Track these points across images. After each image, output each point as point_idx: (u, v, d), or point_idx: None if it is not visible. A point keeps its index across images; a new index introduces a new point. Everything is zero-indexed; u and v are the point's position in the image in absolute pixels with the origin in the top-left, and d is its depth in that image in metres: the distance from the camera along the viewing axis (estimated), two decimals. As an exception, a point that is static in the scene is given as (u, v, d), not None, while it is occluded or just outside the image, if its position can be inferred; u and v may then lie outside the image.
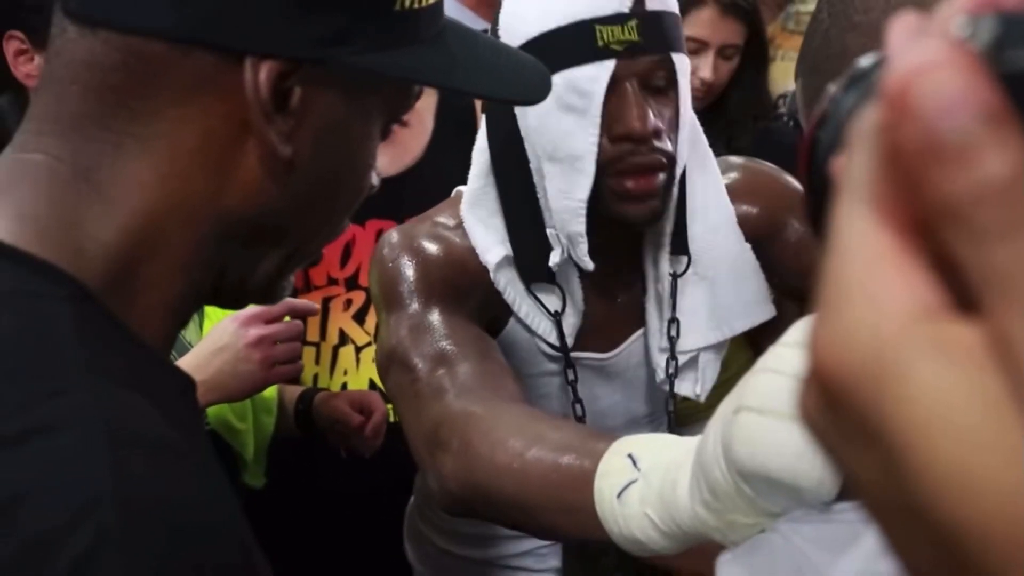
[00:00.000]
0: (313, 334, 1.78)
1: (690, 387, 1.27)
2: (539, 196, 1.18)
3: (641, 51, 1.11)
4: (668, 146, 1.15)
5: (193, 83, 0.60)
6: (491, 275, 1.20)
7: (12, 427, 0.53)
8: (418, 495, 1.56)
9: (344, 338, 1.80)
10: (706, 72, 2.12)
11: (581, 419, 1.26)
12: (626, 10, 1.10)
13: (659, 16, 1.13)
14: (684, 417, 1.33)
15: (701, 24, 2.12)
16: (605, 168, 1.13)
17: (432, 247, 1.20)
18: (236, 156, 0.62)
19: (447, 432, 1.01)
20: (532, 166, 1.17)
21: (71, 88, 0.61)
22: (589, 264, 1.17)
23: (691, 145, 1.21)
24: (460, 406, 1.03)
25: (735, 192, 1.28)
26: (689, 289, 1.26)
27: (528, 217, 1.19)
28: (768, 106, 2.13)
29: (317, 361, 1.80)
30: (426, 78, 0.68)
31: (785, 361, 0.64)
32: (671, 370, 1.26)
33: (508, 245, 1.20)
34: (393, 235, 1.23)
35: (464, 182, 1.34)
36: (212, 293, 0.67)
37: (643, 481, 0.77)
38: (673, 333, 1.26)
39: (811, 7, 2.58)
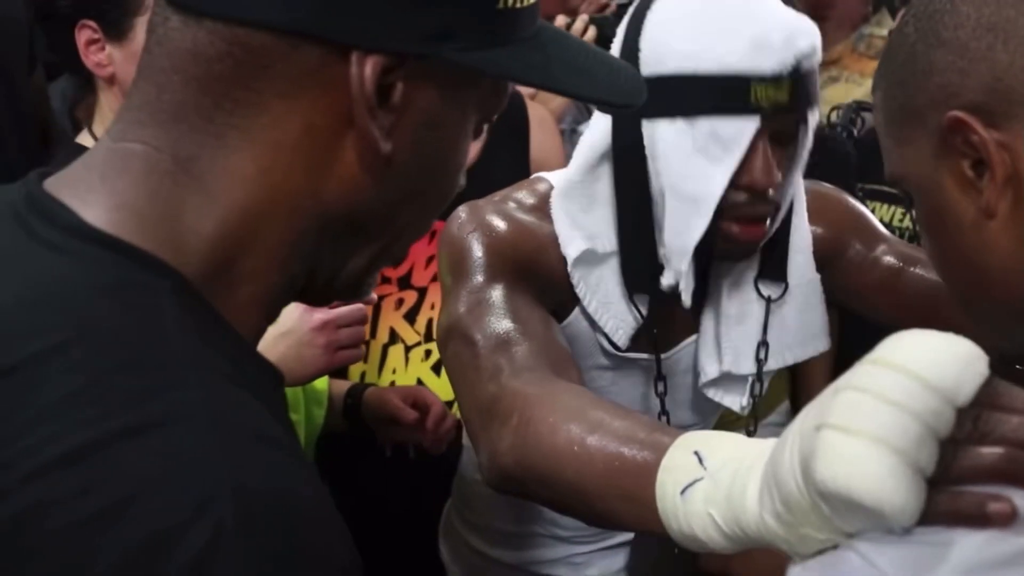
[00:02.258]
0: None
1: (736, 400, 1.30)
2: (655, 217, 1.18)
3: (787, 111, 1.13)
4: (780, 198, 1.17)
5: (299, 76, 0.60)
6: (568, 267, 1.21)
7: (123, 422, 0.52)
8: (456, 494, 1.57)
9: (394, 337, 1.82)
10: None
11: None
12: (785, 74, 1.11)
13: (809, 78, 1.14)
14: (722, 427, 1.34)
15: None
16: (720, 211, 1.15)
17: (502, 224, 1.20)
18: (337, 151, 0.62)
19: (506, 407, 1.01)
20: (653, 186, 1.17)
21: (173, 78, 0.60)
22: (688, 302, 1.19)
23: (796, 182, 1.23)
24: (521, 383, 1.03)
25: (807, 214, 1.31)
26: (753, 311, 1.28)
27: (643, 230, 1.20)
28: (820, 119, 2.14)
29: (366, 359, 1.81)
30: (527, 77, 0.68)
31: (872, 380, 0.62)
32: (756, 391, 1.29)
33: (592, 242, 1.21)
34: (463, 211, 1.22)
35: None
36: (303, 288, 0.67)
37: (709, 480, 0.76)
38: (762, 356, 1.28)
39: (885, 31, 2.56)
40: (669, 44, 1.13)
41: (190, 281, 0.59)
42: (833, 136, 2.19)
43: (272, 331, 1.41)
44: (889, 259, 1.32)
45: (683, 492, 0.77)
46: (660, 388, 1.26)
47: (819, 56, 1.15)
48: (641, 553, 1.38)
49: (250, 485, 0.52)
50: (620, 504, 0.86)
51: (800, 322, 1.30)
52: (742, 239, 1.17)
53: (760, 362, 1.28)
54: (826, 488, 0.62)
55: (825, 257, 1.32)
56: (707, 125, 1.11)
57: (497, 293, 1.15)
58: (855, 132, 2.26)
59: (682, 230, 1.15)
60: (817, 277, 1.32)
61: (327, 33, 0.59)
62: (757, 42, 1.10)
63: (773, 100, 1.11)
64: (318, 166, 0.62)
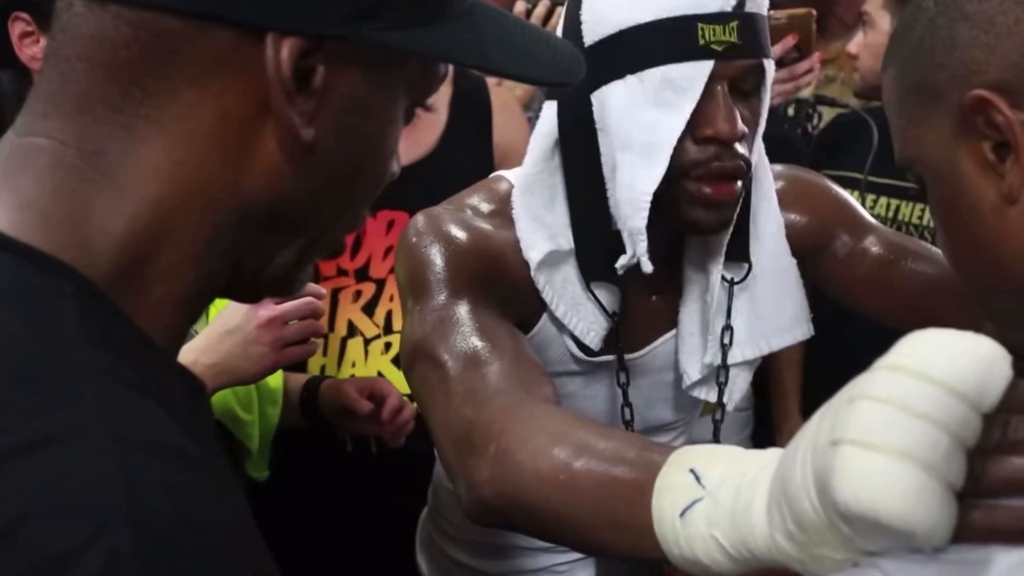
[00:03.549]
0: (322, 325, 1.76)
1: (714, 393, 1.26)
2: (608, 193, 1.13)
3: (739, 54, 1.08)
4: (749, 153, 1.12)
5: (210, 61, 0.57)
6: (531, 272, 1.16)
7: (17, 438, 0.49)
8: (432, 504, 1.53)
9: (353, 330, 1.78)
10: None
11: (629, 424, 1.23)
12: (729, 9, 1.07)
13: (756, 19, 1.10)
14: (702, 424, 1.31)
15: None
16: (686, 170, 1.09)
17: (463, 235, 1.15)
18: (254, 139, 0.59)
19: (481, 436, 0.96)
20: (604, 159, 1.12)
21: (78, 66, 0.57)
22: (648, 267, 1.12)
23: (759, 149, 1.18)
24: (495, 409, 0.98)
25: (784, 200, 1.26)
26: (731, 300, 1.24)
27: (595, 212, 1.14)
28: (776, 113, 2.12)
29: (325, 352, 1.78)
30: (456, 56, 0.64)
31: (891, 388, 0.59)
32: (721, 379, 1.24)
33: (556, 240, 1.16)
34: (420, 219, 1.17)
35: (479, 175, 1.31)
36: (226, 286, 0.64)
37: (710, 500, 0.72)
38: (726, 341, 1.23)
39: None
40: (608, 3, 1.09)
41: (96, 284, 0.56)
42: (784, 133, 2.18)
43: (217, 329, 1.40)
44: (878, 250, 1.28)
45: (682, 515, 0.73)
46: (622, 379, 1.22)
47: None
48: (610, 565, 1.35)
49: (149, 506, 0.49)
50: (613, 533, 0.81)
51: (778, 309, 1.26)
52: (714, 199, 1.10)
53: (724, 347, 1.23)
54: (848, 510, 0.58)
55: (808, 248, 1.28)
56: (658, 74, 1.07)
57: (462, 310, 1.10)
58: (810, 128, 2.24)
59: (635, 183, 1.09)
60: (793, 262, 1.26)
61: (238, 15, 0.56)
62: None
63: (723, 40, 1.07)
64: (235, 156, 0.59)
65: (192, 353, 1.36)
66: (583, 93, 1.11)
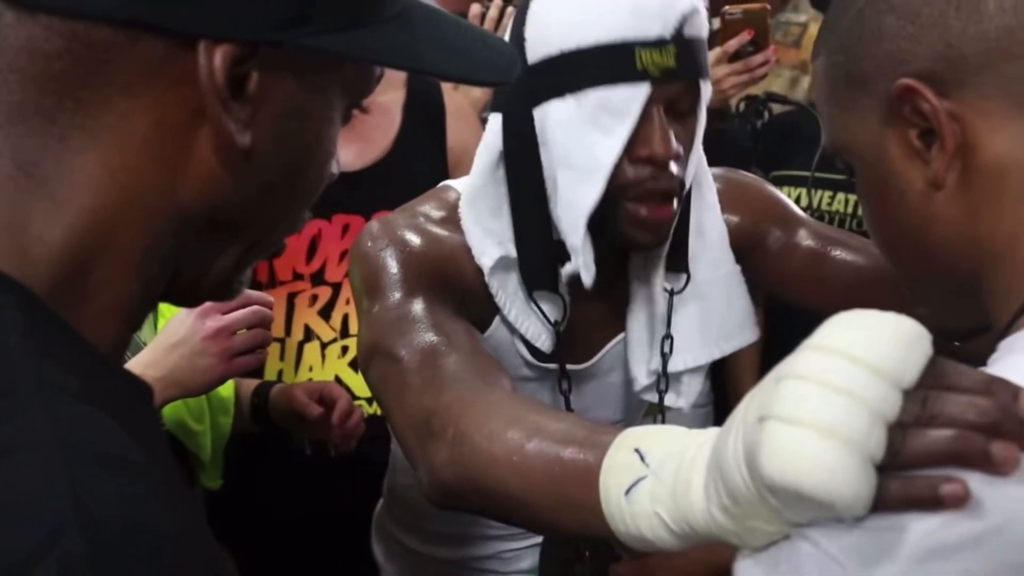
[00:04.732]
0: (278, 330, 1.76)
1: (672, 398, 1.29)
2: (550, 205, 1.16)
3: (675, 77, 1.11)
4: (684, 171, 1.15)
5: (143, 70, 0.56)
6: (485, 277, 1.18)
7: None
8: (387, 495, 1.55)
9: (309, 334, 1.79)
10: None
11: None
12: (668, 36, 1.10)
13: (694, 43, 1.12)
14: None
15: None
16: (623, 191, 1.12)
17: (417, 239, 1.18)
18: (190, 147, 0.58)
19: (440, 421, 0.99)
20: (546, 173, 1.15)
21: (10, 77, 0.56)
22: (589, 280, 1.15)
23: (696, 164, 1.21)
24: (452, 395, 1.01)
25: (720, 203, 1.29)
26: (680, 307, 1.26)
27: (537, 224, 1.17)
28: (724, 109, 2.14)
29: (282, 357, 1.78)
30: (391, 59, 0.64)
31: (814, 367, 0.61)
32: (662, 386, 1.27)
33: (505, 247, 1.18)
34: (375, 225, 1.20)
35: (433, 178, 1.33)
36: (167, 291, 0.63)
37: (653, 478, 0.74)
38: (666, 350, 1.26)
39: (802, 17, 2.58)
40: (551, 24, 1.11)
41: (37, 294, 0.56)
42: (731, 129, 2.20)
43: (163, 342, 1.40)
44: (810, 243, 1.31)
45: (627, 493, 0.75)
46: (564, 386, 1.24)
47: (704, 23, 1.14)
48: (552, 553, 1.37)
49: (98, 514, 0.49)
50: (565, 512, 0.84)
51: (725, 314, 1.29)
52: (650, 220, 1.14)
53: (665, 355, 1.26)
54: (773, 482, 0.60)
55: (744, 247, 1.31)
56: (596, 96, 1.09)
57: (418, 307, 1.12)
58: (759, 125, 2.27)
59: (574, 201, 1.12)
60: (737, 268, 1.30)
61: (170, 23, 0.56)
62: (637, 7, 1.09)
63: (660, 65, 1.09)
64: (171, 164, 0.58)
65: (139, 367, 1.35)
66: (526, 108, 1.14)
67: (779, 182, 2.17)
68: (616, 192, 1.12)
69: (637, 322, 1.27)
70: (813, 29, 2.43)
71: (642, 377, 1.27)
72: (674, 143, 1.12)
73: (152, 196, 0.58)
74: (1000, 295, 0.74)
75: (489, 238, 1.18)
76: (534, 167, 1.15)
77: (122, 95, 0.57)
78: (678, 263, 1.25)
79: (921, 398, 0.61)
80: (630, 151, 1.11)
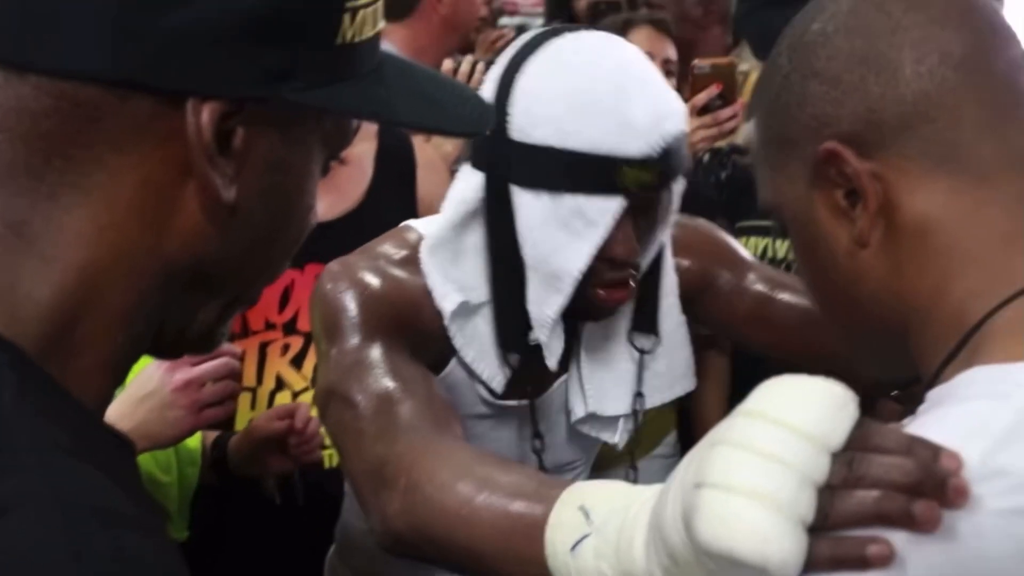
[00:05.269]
0: (250, 379, 1.77)
1: (611, 435, 1.32)
2: (526, 275, 1.18)
3: (653, 191, 1.14)
4: (643, 260, 1.18)
5: (132, 128, 0.57)
6: (445, 320, 1.20)
7: None
8: (339, 540, 1.55)
9: (281, 383, 1.79)
10: None
11: (541, 465, 1.28)
12: (654, 155, 1.11)
13: (677, 148, 1.14)
14: (606, 463, 1.36)
15: (640, 42, 2.19)
16: (583, 278, 1.15)
17: (376, 281, 1.19)
18: (177, 203, 0.59)
19: (393, 471, 1.00)
20: (522, 250, 1.17)
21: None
22: (554, 364, 1.20)
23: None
24: (405, 444, 1.02)
25: (672, 247, 1.31)
26: (623, 357, 1.29)
27: (513, 292, 1.19)
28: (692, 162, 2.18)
29: (253, 406, 1.78)
30: (369, 112, 0.66)
31: (745, 433, 0.63)
32: (630, 444, 1.32)
33: (466, 293, 1.20)
34: (334, 267, 1.21)
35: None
36: (151, 345, 0.64)
37: (597, 536, 0.76)
38: (638, 407, 1.30)
39: (746, 65, 2.63)
40: (538, 114, 1.12)
41: (28, 352, 0.56)
42: (696, 181, 2.24)
43: (133, 394, 1.40)
44: (758, 287, 1.34)
45: (573, 549, 0.77)
46: (536, 444, 1.27)
47: (686, 132, 1.17)
48: None
49: (99, 568, 0.50)
50: (513, 565, 0.86)
51: (668, 366, 1.32)
52: (607, 303, 1.18)
53: (636, 412, 1.29)
54: (709, 548, 0.62)
55: (693, 290, 1.33)
56: (571, 201, 1.11)
57: (375, 352, 1.14)
58: (722, 176, 2.30)
59: (543, 303, 1.16)
60: (683, 319, 1.33)
61: (158, 82, 0.56)
62: (627, 123, 1.10)
63: (639, 181, 1.11)
64: (159, 221, 0.59)
65: (108, 419, 1.35)
66: (504, 180, 1.15)
67: (744, 232, 2.20)
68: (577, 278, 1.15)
69: (576, 364, 1.30)
70: (754, 77, 2.47)
71: (579, 411, 1.30)
72: (637, 247, 1.15)
73: (139, 252, 0.59)
74: (927, 347, 0.76)
75: (450, 284, 1.20)
76: (512, 238, 1.16)
77: (111, 152, 0.57)
78: (648, 324, 1.28)
79: (848, 460, 0.63)
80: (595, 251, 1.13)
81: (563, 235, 1.12)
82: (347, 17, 0.61)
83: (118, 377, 0.62)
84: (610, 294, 1.17)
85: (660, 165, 1.12)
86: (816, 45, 0.79)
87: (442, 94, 0.69)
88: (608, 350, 1.29)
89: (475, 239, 1.20)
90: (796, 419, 0.63)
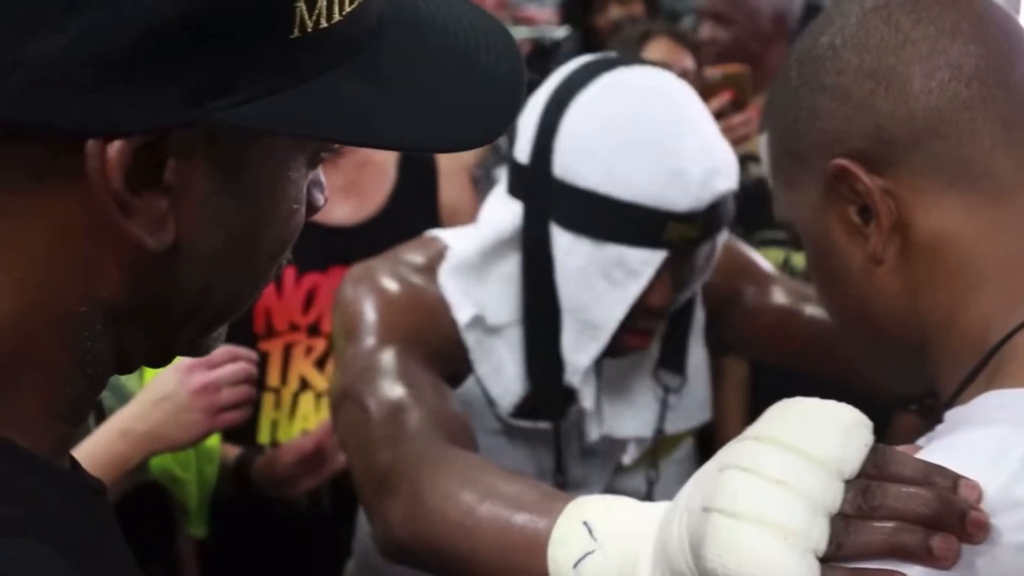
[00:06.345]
0: (274, 379, 1.79)
1: (622, 457, 1.35)
2: (562, 320, 1.18)
3: (695, 246, 1.14)
4: (674, 308, 1.20)
5: (32, 173, 0.49)
6: (460, 332, 1.20)
7: None
8: (357, 553, 1.55)
9: (305, 384, 1.81)
10: None
11: (562, 485, 1.28)
12: (700, 209, 1.10)
13: (723, 204, 1.13)
14: (623, 473, 1.38)
15: (659, 52, 2.22)
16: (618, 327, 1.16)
17: (396, 287, 1.19)
18: (102, 247, 0.51)
19: (396, 478, 0.99)
20: (561, 292, 1.16)
21: None
22: (591, 406, 1.22)
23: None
24: (410, 452, 1.01)
25: None
26: (643, 389, 1.31)
27: (548, 333, 1.19)
28: None
29: (277, 407, 1.80)
30: (323, 130, 0.53)
31: (755, 458, 0.61)
32: (652, 477, 1.33)
33: (482, 310, 1.21)
34: (356, 270, 1.21)
35: (428, 229, 1.35)
36: (123, 370, 0.58)
37: (601, 553, 0.75)
38: (655, 438, 1.31)
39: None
40: (584, 159, 1.11)
41: None
42: None
43: (150, 396, 1.42)
44: (783, 301, 1.34)
45: (576, 565, 0.76)
46: (559, 479, 1.28)
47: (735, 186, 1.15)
48: None
49: None
50: None
51: (688, 399, 1.33)
52: (632, 346, 1.20)
53: (655, 450, 1.31)
54: (716, 575, 0.61)
55: (718, 305, 1.34)
56: (614, 251, 1.11)
57: (389, 357, 1.13)
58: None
59: (579, 350, 1.17)
60: (705, 353, 1.34)
61: (47, 123, 0.47)
62: (676, 178, 1.08)
63: (684, 235, 1.11)
64: (85, 267, 0.51)
65: (125, 420, 1.37)
66: (545, 218, 1.14)
67: (763, 244, 2.21)
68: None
69: (607, 395, 1.30)
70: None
71: (594, 435, 1.30)
72: (672, 296, 1.16)
73: (70, 301, 0.52)
74: (945, 364, 0.75)
75: (468, 299, 1.21)
76: (550, 277, 1.16)
77: (15, 198, 0.50)
78: (676, 362, 1.29)
79: (862, 488, 0.61)
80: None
81: (603, 284, 1.12)
82: (302, 3, 0.50)
83: (76, 419, 0.57)
84: (633, 339, 1.18)
85: (705, 220, 1.11)
86: (825, 59, 0.78)
87: (454, 78, 0.57)
88: (629, 382, 1.30)
89: (507, 268, 1.19)
90: (808, 444, 0.61)
